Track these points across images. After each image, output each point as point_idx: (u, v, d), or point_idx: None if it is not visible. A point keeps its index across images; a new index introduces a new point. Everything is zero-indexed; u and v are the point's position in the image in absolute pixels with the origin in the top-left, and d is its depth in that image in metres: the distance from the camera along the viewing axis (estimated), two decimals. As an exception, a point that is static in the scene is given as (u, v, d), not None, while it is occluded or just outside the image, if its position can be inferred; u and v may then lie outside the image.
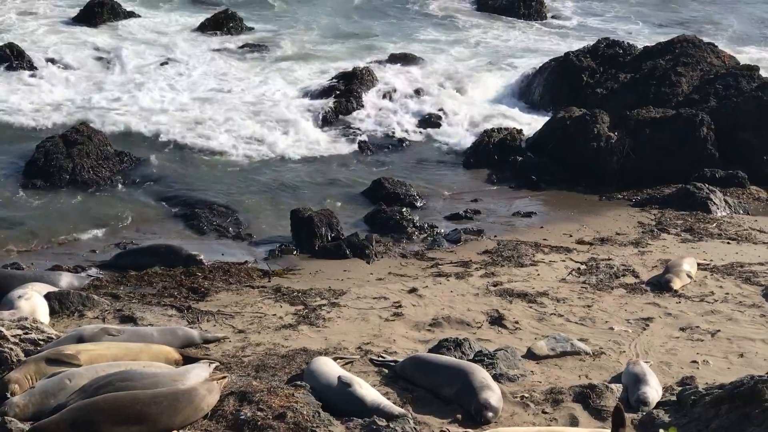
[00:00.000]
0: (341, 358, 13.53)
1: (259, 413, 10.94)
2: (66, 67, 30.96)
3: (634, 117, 25.75)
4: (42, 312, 14.67)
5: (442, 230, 21.08)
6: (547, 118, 27.53)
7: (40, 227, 20.18)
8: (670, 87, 27.86)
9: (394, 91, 30.20)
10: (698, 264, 18.50)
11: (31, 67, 30.12)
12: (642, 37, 38.31)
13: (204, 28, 36.41)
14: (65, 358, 11.86)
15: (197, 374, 11.57)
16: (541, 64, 31.77)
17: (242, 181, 23.39)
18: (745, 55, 34.40)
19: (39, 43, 33.17)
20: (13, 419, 10.49)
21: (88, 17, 36.44)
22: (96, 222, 20.67)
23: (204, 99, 28.94)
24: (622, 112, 26.20)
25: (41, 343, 13.12)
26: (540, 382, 13.28)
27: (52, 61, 31.19)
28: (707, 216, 21.94)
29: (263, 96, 29.64)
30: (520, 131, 27.21)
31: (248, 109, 28.27)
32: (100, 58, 31.96)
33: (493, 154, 25.81)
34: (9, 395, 11.19)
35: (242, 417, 10.85)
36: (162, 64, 31.68)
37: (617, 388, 12.88)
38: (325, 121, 27.57)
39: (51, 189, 22.06)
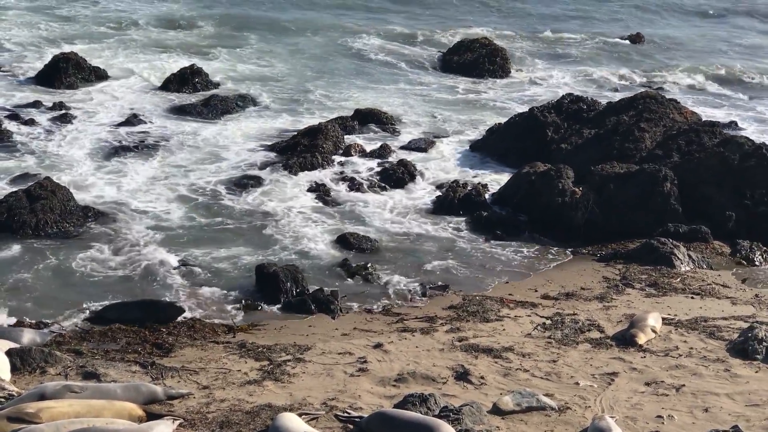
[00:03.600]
0: (306, 414, 13.46)
1: (222, 471, 10.85)
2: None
3: (599, 172, 25.93)
4: (3, 369, 14.53)
5: (408, 285, 21.08)
6: (512, 173, 27.67)
7: (1, 283, 20.02)
8: (634, 142, 28.12)
9: (359, 147, 30.28)
10: (663, 319, 18.57)
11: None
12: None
13: (168, 86, 36.26)
14: (26, 417, 11.73)
15: (161, 431, 11.47)
16: (505, 120, 31.97)
17: (205, 234, 23.28)
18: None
19: None
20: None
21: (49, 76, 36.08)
22: (61, 279, 20.52)
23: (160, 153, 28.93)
24: (587, 167, 26.39)
25: (2, 400, 12.99)
26: (506, 438, 13.26)
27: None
28: (671, 271, 22.05)
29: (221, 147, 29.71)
30: (485, 186, 27.36)
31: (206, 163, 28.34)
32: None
33: (458, 208, 25.88)
34: (-31, 454, 11.05)
35: (206, 474, 10.77)
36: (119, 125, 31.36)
37: (583, 443, 12.87)
38: (291, 176, 27.52)
39: (14, 244, 21.87)
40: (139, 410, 12.71)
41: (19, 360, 15.20)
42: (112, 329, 17.76)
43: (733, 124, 34.25)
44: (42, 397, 12.72)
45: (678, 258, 22.52)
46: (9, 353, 15.20)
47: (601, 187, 25.43)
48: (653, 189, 25.17)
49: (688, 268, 22.35)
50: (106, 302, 19.25)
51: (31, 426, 11.41)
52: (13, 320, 18.13)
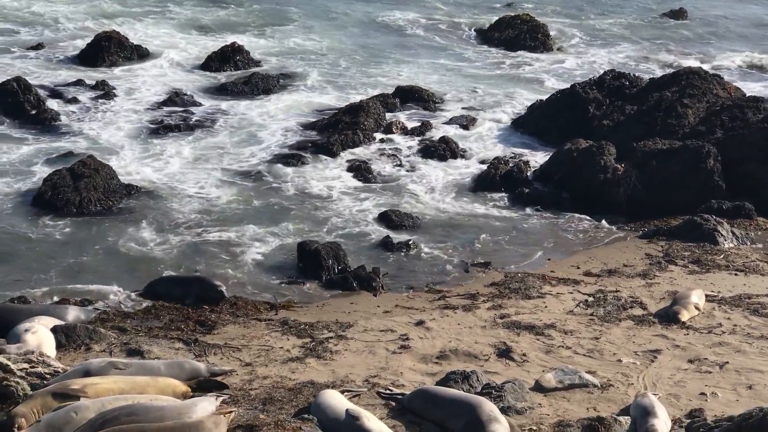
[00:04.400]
0: (349, 391, 13.49)
1: (266, 447, 10.91)
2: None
3: (641, 149, 25.77)
4: (49, 346, 14.66)
5: (449, 262, 21.07)
6: (553, 150, 27.56)
7: (48, 260, 20.19)
8: (677, 119, 27.90)
9: (401, 124, 30.25)
10: (706, 296, 18.47)
11: (38, 102, 29.99)
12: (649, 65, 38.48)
13: (209, 64, 36.34)
14: (72, 392, 11.83)
15: (204, 408, 11.54)
16: (547, 96, 31.84)
17: (247, 215, 23.35)
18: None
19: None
20: (19, 454, 10.49)
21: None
22: (106, 256, 20.68)
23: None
24: (629, 144, 26.23)
25: (48, 376, 13.11)
26: (548, 415, 13.23)
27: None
28: (714, 248, 21.89)
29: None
30: (526, 163, 27.27)
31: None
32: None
33: (500, 185, 25.82)
34: (15, 429, 11.16)
35: (249, 451, 10.82)
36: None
37: (625, 420, 12.82)
38: (332, 154, 27.53)
39: (58, 222, 22.03)
40: (182, 386, 12.78)
41: (65, 337, 15.35)
42: (156, 306, 17.88)
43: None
44: (87, 373, 12.81)
45: (721, 235, 22.35)
46: (54, 330, 15.35)
47: (644, 164, 25.27)
48: (696, 165, 24.99)
49: (731, 245, 22.19)
50: (150, 280, 19.37)
51: (77, 402, 11.50)
52: (57, 298, 18.29)
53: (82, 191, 23.00)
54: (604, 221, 23.97)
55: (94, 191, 23.13)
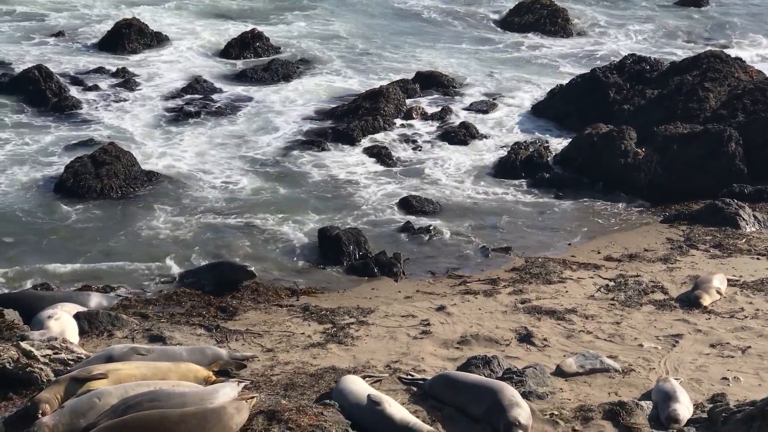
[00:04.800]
0: (370, 377, 13.51)
1: (288, 432, 10.93)
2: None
3: (662, 133, 25.68)
4: (71, 332, 14.73)
5: (470, 248, 21.08)
6: (574, 135, 27.51)
7: (70, 247, 20.30)
8: (698, 102, 27.78)
9: (421, 110, 30.25)
10: (728, 280, 18.41)
11: (59, 90, 30.11)
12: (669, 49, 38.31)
13: (229, 51, 36.39)
14: (92, 377, 11.88)
15: (226, 393, 11.57)
16: (567, 81, 31.77)
17: (268, 199, 23.40)
18: None
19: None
20: (43, 439, 10.53)
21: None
22: (128, 243, 20.78)
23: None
24: (650, 128, 26.14)
25: (71, 363, 13.16)
26: (569, 400, 13.22)
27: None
28: (736, 232, 21.81)
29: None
30: (547, 147, 27.25)
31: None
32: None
33: (521, 170, 25.80)
34: (39, 415, 11.21)
35: (271, 436, 10.84)
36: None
37: (647, 405, 12.81)
38: (353, 140, 27.55)
39: (80, 209, 22.13)
40: (204, 372, 12.82)
41: (87, 323, 15.41)
42: (177, 293, 17.95)
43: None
44: (109, 359, 12.85)
45: (743, 219, 22.26)
46: (77, 317, 15.42)
47: (665, 148, 25.19)
48: (718, 149, 24.91)
49: (753, 229, 22.11)
50: (172, 264, 19.48)
51: (101, 388, 11.54)
52: (80, 284, 18.37)
53: (103, 178, 23.10)
54: (624, 206, 23.93)
55: (115, 178, 23.23)
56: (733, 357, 15.15)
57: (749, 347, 15.48)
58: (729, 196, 23.33)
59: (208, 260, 19.77)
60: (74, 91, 30.56)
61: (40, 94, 29.68)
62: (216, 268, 18.89)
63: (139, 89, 31.47)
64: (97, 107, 29.69)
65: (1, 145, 26.09)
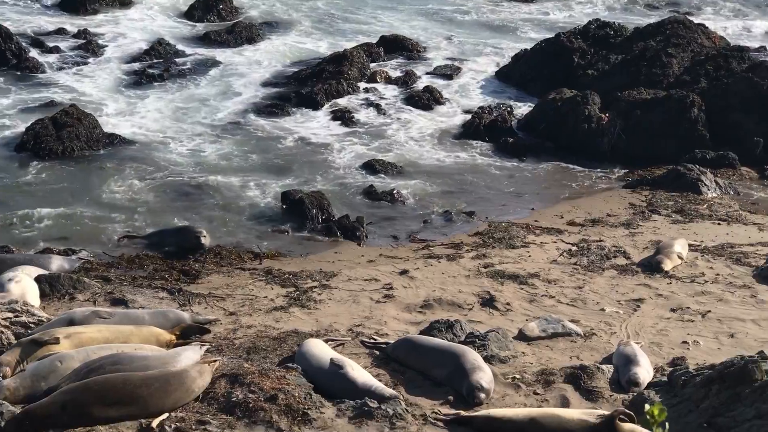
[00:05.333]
0: (332, 340, 13.51)
1: (250, 395, 10.91)
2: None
3: (625, 98, 25.76)
4: (32, 295, 14.62)
5: (433, 212, 21.09)
6: (538, 100, 27.54)
7: (31, 209, 20.13)
8: (661, 68, 27.89)
9: (385, 74, 30.17)
10: (689, 245, 18.53)
11: (20, 51, 29.75)
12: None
13: (192, 13, 36.07)
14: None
15: (188, 357, 11.53)
16: (532, 46, 31.75)
17: (231, 162, 23.31)
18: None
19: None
20: (3, 402, 10.44)
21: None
22: (89, 206, 20.63)
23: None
24: (613, 94, 26.20)
25: (32, 326, 13.07)
26: (531, 364, 13.28)
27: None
28: (698, 197, 21.96)
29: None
30: (511, 112, 27.28)
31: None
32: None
33: (484, 134, 25.81)
34: (0, 378, 11.14)
35: (234, 399, 10.82)
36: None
37: (608, 369, 12.88)
38: (316, 104, 27.46)
39: (41, 171, 21.95)
40: (166, 335, 12.77)
41: (48, 286, 15.31)
42: (140, 256, 17.87)
43: (762, 50, 33.82)
44: (71, 322, 12.78)
45: (705, 184, 22.40)
46: (38, 279, 15.30)
47: (628, 114, 25.27)
48: (681, 115, 25.01)
49: (714, 195, 22.25)
50: (134, 228, 19.37)
51: (62, 351, 11.48)
52: (41, 247, 18.25)
53: (65, 140, 22.91)
54: (588, 171, 24.01)
55: (77, 140, 23.05)
56: (693, 321, 15.25)
57: (709, 311, 15.60)
58: (691, 162, 23.45)
59: (170, 224, 19.67)
60: (34, 53, 30.24)
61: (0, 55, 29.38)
62: (180, 232, 18.81)
63: (101, 51, 31.17)
64: (58, 69, 29.43)
65: (-39, 106, 25.85)
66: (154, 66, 30.11)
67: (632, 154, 24.53)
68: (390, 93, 28.96)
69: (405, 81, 29.83)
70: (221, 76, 29.63)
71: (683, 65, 28.07)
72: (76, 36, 32.26)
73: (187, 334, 13.28)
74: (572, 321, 14.86)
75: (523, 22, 38.19)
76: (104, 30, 33.34)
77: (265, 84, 29.17)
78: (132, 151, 23.49)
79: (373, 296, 15.97)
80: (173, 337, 12.77)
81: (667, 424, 4.28)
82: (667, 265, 17.49)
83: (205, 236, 18.51)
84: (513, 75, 30.74)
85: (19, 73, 28.66)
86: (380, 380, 11.98)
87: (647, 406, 4.28)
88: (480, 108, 27.49)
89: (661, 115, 25.04)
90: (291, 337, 13.72)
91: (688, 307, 15.78)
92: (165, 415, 10.38)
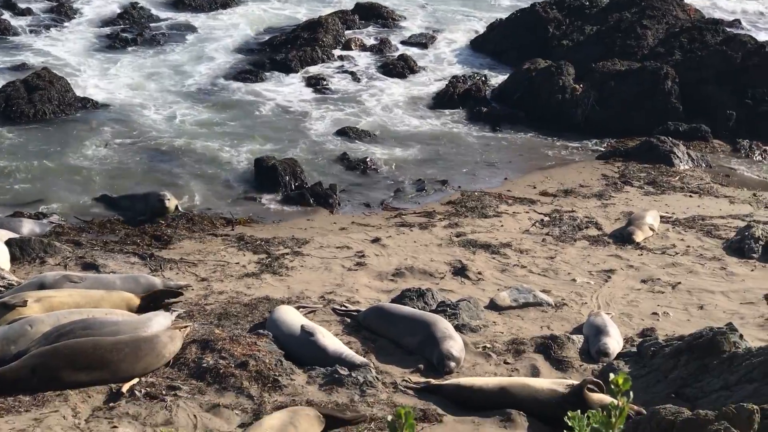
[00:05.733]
0: (304, 307, 13.52)
1: (221, 361, 10.93)
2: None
3: (600, 69, 25.78)
4: (3, 259, 14.54)
5: (406, 180, 21.07)
6: (512, 70, 27.53)
7: (1, 172, 20.01)
8: (636, 40, 27.92)
9: (359, 41, 30.10)
10: (660, 217, 18.61)
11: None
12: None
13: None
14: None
15: (159, 322, 11.53)
16: (507, 15, 31.70)
17: (205, 128, 23.21)
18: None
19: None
20: (-27, 366, 10.43)
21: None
22: (60, 169, 20.50)
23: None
24: (588, 65, 26.21)
25: (1, 289, 13.03)
26: (502, 333, 13.33)
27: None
28: (670, 169, 22.05)
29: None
30: (485, 81, 27.26)
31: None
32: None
33: (458, 103, 25.80)
34: (-31, 341, 11.10)
35: (204, 365, 10.84)
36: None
37: (578, 339, 12.95)
38: (290, 70, 27.37)
39: (12, 133, 21.80)
40: (137, 300, 12.75)
41: (19, 250, 15.23)
42: (111, 221, 17.80)
43: (736, 23, 33.93)
44: (41, 286, 12.74)
45: (677, 156, 22.48)
46: (8, 243, 15.21)
47: (602, 85, 25.30)
48: (654, 87, 25.05)
49: (687, 167, 22.34)
50: (105, 192, 19.25)
51: (33, 315, 11.45)
52: (11, 211, 18.14)
53: (36, 103, 22.76)
54: (561, 141, 24.03)
55: (48, 103, 22.90)
56: (663, 292, 15.33)
57: (679, 283, 15.68)
58: (664, 134, 23.53)
59: (142, 188, 19.58)
60: (6, 15, 30.00)
61: (-30, 16, 29.18)
62: (146, 196, 18.71)
63: (74, 14, 30.96)
64: (30, 32, 29.18)
65: (-70, 67, 25.62)
66: (127, 30, 29.96)
67: (605, 125, 24.56)
68: (365, 61, 28.90)
69: (380, 49, 29.77)
70: (195, 42, 29.50)
71: (658, 37, 28.11)
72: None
73: (158, 299, 13.26)
74: (543, 291, 14.91)
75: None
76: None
77: (239, 50, 29.07)
78: (105, 116, 23.35)
79: (345, 264, 15.97)
80: (143, 302, 12.76)
81: (631, 393, 4.30)
82: (639, 237, 17.56)
83: (169, 199, 18.38)
84: (488, 44, 30.73)
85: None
86: (351, 348, 12.00)
87: (612, 376, 4.29)
88: (454, 77, 27.47)
89: (635, 86, 25.08)
90: (262, 304, 13.72)
91: (659, 279, 15.86)
92: (135, 380, 10.40)
